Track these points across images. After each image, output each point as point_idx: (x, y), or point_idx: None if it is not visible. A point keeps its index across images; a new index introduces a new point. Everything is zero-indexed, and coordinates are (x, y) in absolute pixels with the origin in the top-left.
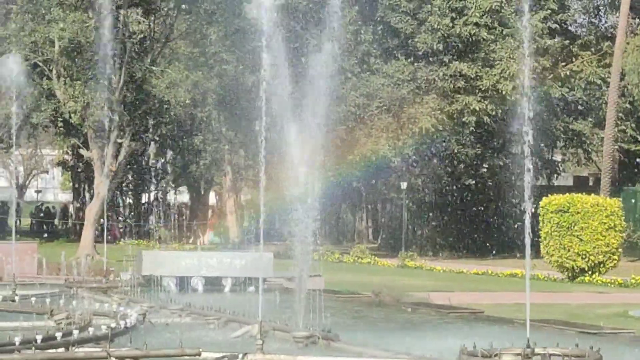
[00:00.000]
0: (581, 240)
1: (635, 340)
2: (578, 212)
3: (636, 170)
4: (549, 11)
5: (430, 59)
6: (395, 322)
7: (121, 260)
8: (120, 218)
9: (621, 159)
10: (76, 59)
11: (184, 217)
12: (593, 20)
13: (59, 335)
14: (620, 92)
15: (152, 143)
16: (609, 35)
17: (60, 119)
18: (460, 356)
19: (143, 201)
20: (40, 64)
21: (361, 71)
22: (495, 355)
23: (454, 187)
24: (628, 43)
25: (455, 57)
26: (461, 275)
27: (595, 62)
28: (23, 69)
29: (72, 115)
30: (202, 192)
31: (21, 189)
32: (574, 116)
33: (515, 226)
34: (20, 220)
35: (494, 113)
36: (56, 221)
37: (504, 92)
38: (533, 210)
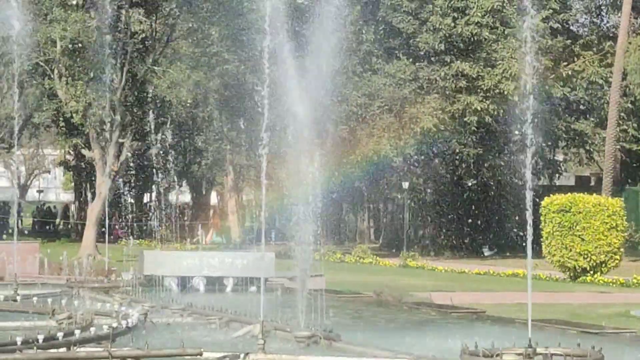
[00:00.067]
0: (583, 240)
1: (637, 340)
2: (580, 212)
3: (638, 170)
4: (551, 11)
5: (432, 58)
6: (396, 322)
7: (123, 260)
8: (121, 218)
9: (623, 158)
10: (78, 59)
11: (186, 217)
12: (595, 20)
13: (60, 335)
14: (622, 92)
15: (153, 143)
16: (611, 35)
17: (62, 119)
18: (461, 356)
19: (145, 201)
20: (42, 63)
21: (363, 71)
22: (497, 355)
23: (456, 187)
24: (630, 43)
25: (457, 56)
26: (463, 275)
27: (597, 61)
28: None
29: (74, 115)
30: (204, 192)
31: (23, 188)
32: (576, 116)
33: (517, 226)
34: (21, 220)
35: (495, 113)
36: (57, 221)
37: (505, 92)
38: (534, 210)
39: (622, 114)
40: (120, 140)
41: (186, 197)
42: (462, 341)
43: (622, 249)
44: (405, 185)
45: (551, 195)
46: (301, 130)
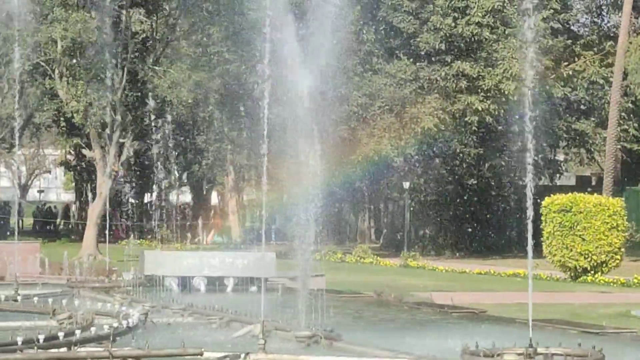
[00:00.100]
0: (584, 239)
1: (638, 339)
2: (580, 212)
3: (639, 169)
4: (552, 11)
5: (433, 58)
6: (397, 322)
7: (123, 260)
8: (122, 218)
9: (624, 158)
10: (78, 59)
11: (187, 217)
12: (595, 19)
13: (61, 335)
14: (622, 92)
15: (154, 143)
16: (612, 34)
17: (62, 119)
18: (462, 356)
19: (145, 201)
20: (42, 63)
21: (363, 71)
22: (498, 355)
23: (456, 187)
24: (630, 42)
25: (457, 56)
26: (463, 275)
27: (598, 61)
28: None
29: (75, 115)
30: (205, 192)
31: (24, 188)
32: (577, 116)
33: (517, 226)
34: (22, 220)
35: (496, 113)
36: (58, 221)
37: (506, 92)
38: (535, 210)
39: (623, 114)
40: (121, 140)
41: (187, 197)
42: (463, 341)
43: (622, 249)
44: (406, 185)
45: (552, 195)
46: (301, 130)
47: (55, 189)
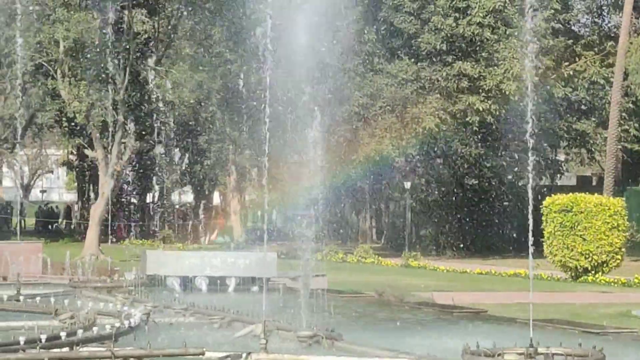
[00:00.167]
0: (584, 239)
1: (639, 339)
2: (581, 212)
3: (639, 169)
4: (552, 11)
5: (434, 58)
6: (398, 322)
7: (125, 260)
8: (124, 218)
9: (624, 158)
10: (81, 59)
11: (188, 217)
12: (596, 20)
13: (63, 334)
14: (623, 92)
15: (156, 143)
16: (612, 35)
17: (65, 119)
18: (463, 355)
19: (147, 201)
20: (45, 64)
21: (365, 71)
22: (499, 355)
23: (457, 187)
24: (631, 43)
25: (458, 57)
26: (464, 275)
27: (599, 61)
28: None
29: (77, 115)
30: (207, 192)
31: (26, 189)
32: (577, 116)
33: (518, 226)
34: (24, 220)
35: (497, 113)
36: (60, 221)
37: (507, 92)
38: (536, 210)
39: (624, 114)
40: (123, 141)
41: (189, 197)
42: (464, 341)
43: (623, 249)
44: (407, 185)
45: (553, 195)
46: (303, 131)
47: (57, 189)
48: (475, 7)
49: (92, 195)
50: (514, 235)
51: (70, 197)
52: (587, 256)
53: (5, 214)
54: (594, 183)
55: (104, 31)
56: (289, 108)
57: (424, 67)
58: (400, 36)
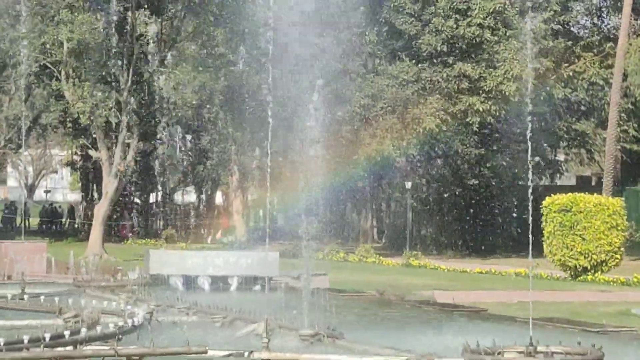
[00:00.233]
0: (584, 239)
1: (638, 338)
2: (581, 212)
3: (638, 169)
4: (552, 12)
5: (434, 60)
6: (399, 321)
7: (129, 259)
8: (128, 218)
9: (623, 158)
10: (84, 61)
11: (191, 217)
12: (596, 21)
13: (67, 333)
14: (622, 93)
15: (159, 143)
16: (612, 36)
17: (69, 120)
18: (463, 354)
19: (151, 201)
20: (49, 65)
21: (366, 72)
22: (499, 353)
23: (458, 187)
24: (630, 44)
25: (459, 58)
26: (465, 274)
27: (598, 63)
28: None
29: (81, 116)
30: (209, 192)
31: (30, 189)
32: (577, 116)
33: (518, 226)
34: (29, 220)
35: (497, 114)
36: (63, 220)
37: (507, 93)
38: (536, 209)
39: (623, 115)
40: (127, 141)
41: (191, 197)
42: (464, 339)
43: (622, 248)
44: (408, 185)
45: (552, 195)
46: (305, 131)
47: (61, 189)
48: (476, 9)
49: (95, 195)
50: (514, 234)
51: (74, 197)
52: (586, 255)
53: (10, 214)
54: (593, 183)
55: (108, 33)
56: (291, 109)
57: (425, 68)
58: (401, 37)
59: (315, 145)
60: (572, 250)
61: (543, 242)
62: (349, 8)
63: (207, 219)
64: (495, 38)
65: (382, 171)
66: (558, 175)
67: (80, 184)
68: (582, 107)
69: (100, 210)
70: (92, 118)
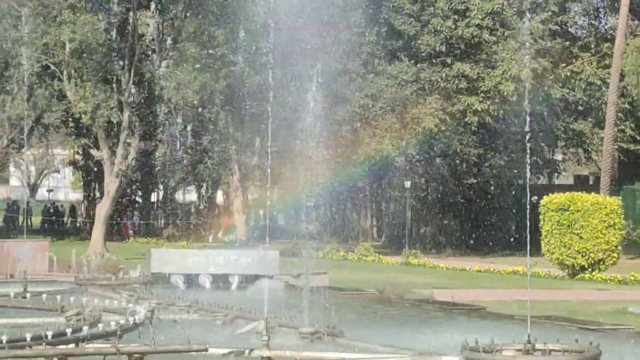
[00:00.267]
0: (581, 238)
1: (635, 336)
2: (578, 211)
3: (635, 169)
4: (550, 13)
5: (433, 60)
6: (398, 319)
7: (130, 258)
8: (129, 217)
9: (620, 158)
10: (86, 61)
11: (192, 216)
12: (593, 22)
13: (69, 331)
14: (619, 93)
15: (160, 143)
16: (609, 36)
17: (71, 120)
18: (462, 351)
19: (152, 200)
20: (51, 65)
21: (365, 72)
22: (497, 351)
23: (457, 186)
24: (627, 44)
25: (457, 58)
26: (464, 273)
27: (595, 63)
28: None
29: (83, 115)
30: (210, 191)
31: (33, 188)
32: (575, 116)
33: (517, 224)
34: (31, 219)
35: (495, 113)
36: (65, 219)
37: (505, 93)
38: (534, 208)
39: (620, 115)
40: (128, 141)
41: (192, 197)
42: (463, 337)
43: (619, 247)
44: (407, 184)
45: (550, 194)
46: (305, 132)
47: (63, 188)
48: (474, 10)
49: (97, 194)
50: (513, 233)
51: (76, 196)
52: (584, 254)
53: (12, 213)
54: (590, 182)
55: (110, 33)
56: (291, 109)
57: (424, 69)
58: (400, 38)
59: (315, 145)
60: (569, 248)
61: (541, 241)
62: (348, 8)
63: (208, 218)
64: (494, 38)
65: (382, 171)
66: (556, 174)
67: (82, 183)
68: (580, 107)
69: (102, 209)
70: (93, 118)
